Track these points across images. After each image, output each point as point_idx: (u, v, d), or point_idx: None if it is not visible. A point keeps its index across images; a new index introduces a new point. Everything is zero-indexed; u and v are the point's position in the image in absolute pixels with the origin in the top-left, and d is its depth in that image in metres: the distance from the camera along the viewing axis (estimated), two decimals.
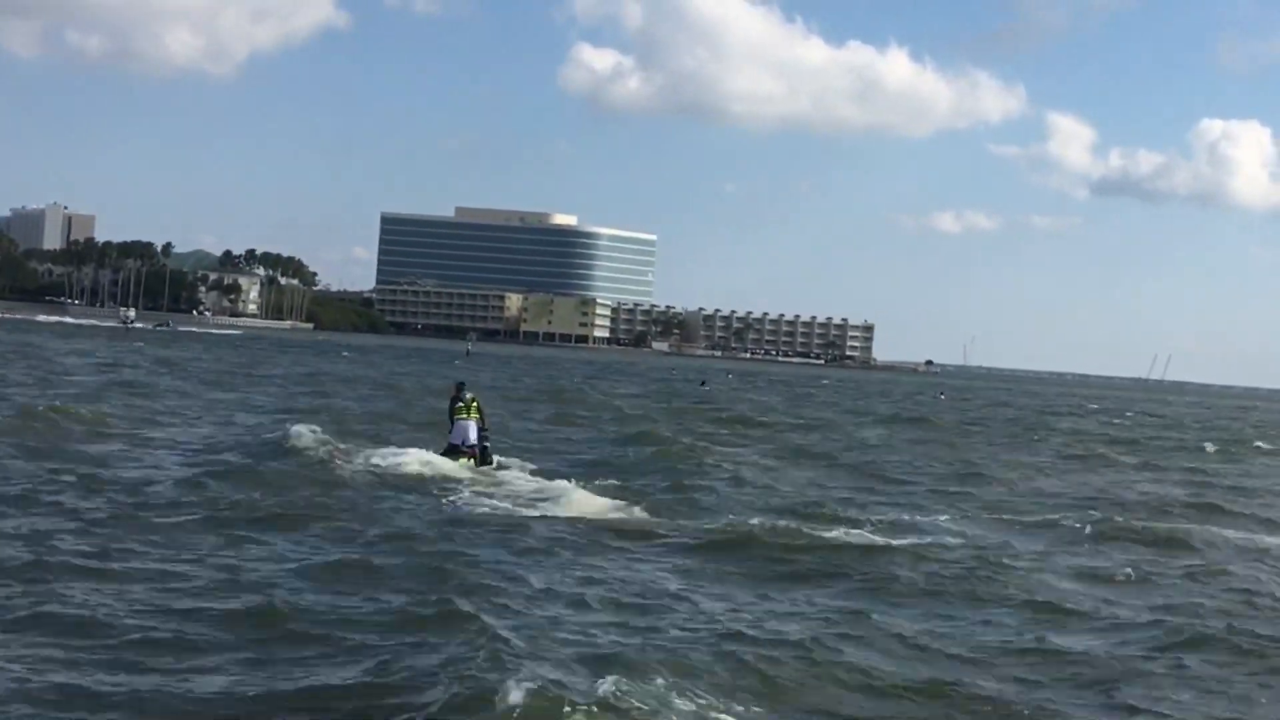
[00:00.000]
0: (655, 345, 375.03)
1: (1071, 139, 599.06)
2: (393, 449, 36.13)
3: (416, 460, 34.11)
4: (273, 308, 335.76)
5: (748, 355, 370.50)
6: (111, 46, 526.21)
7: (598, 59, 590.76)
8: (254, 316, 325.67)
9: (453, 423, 35.65)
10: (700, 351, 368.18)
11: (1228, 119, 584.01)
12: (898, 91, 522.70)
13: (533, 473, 34.74)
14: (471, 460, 34.64)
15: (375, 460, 33.86)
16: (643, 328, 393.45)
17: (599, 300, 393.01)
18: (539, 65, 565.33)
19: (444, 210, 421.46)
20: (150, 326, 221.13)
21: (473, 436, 35.08)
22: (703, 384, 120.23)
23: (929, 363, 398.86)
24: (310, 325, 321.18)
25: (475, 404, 35.56)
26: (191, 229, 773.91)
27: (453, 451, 35.00)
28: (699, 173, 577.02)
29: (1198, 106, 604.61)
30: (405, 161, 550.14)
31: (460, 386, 36.65)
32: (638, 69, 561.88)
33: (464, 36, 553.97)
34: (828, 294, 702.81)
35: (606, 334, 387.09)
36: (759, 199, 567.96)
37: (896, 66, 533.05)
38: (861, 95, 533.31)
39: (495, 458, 35.54)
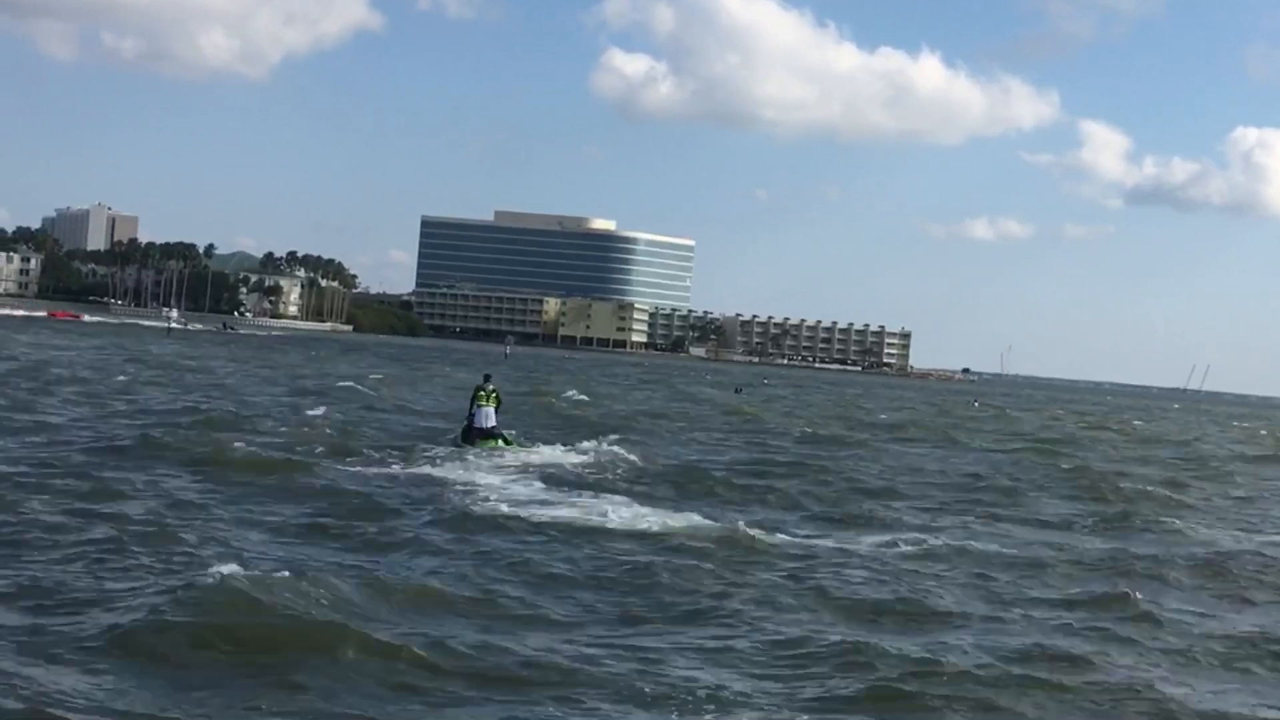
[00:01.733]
0: (693, 350, 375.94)
1: (1105, 147, 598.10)
2: None
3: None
4: (313, 310, 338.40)
5: (785, 361, 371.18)
6: (146, 48, 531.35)
7: (629, 64, 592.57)
8: (294, 318, 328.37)
9: (474, 407, 40.84)
10: (737, 357, 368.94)
11: (1262, 127, 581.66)
12: (930, 98, 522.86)
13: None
14: (493, 441, 40.00)
15: None
16: (680, 333, 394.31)
17: (637, 305, 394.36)
18: (571, 70, 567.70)
19: (483, 214, 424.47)
20: (217, 328, 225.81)
21: (491, 421, 40.57)
22: (737, 390, 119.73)
23: (966, 370, 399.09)
24: (349, 327, 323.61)
25: (495, 394, 41.22)
26: (232, 230, 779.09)
27: (469, 432, 40.43)
28: (732, 178, 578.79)
29: (1232, 114, 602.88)
30: (442, 164, 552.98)
31: (487, 378, 42.55)
32: (670, 74, 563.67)
33: (496, 40, 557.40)
34: (864, 300, 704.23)
35: (644, 339, 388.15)
36: (791, 205, 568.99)
37: (928, 72, 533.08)
38: (893, 101, 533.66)
39: (509, 434, 42.03)
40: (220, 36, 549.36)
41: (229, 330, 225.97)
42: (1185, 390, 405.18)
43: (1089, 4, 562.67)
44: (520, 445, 41.52)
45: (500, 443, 40.24)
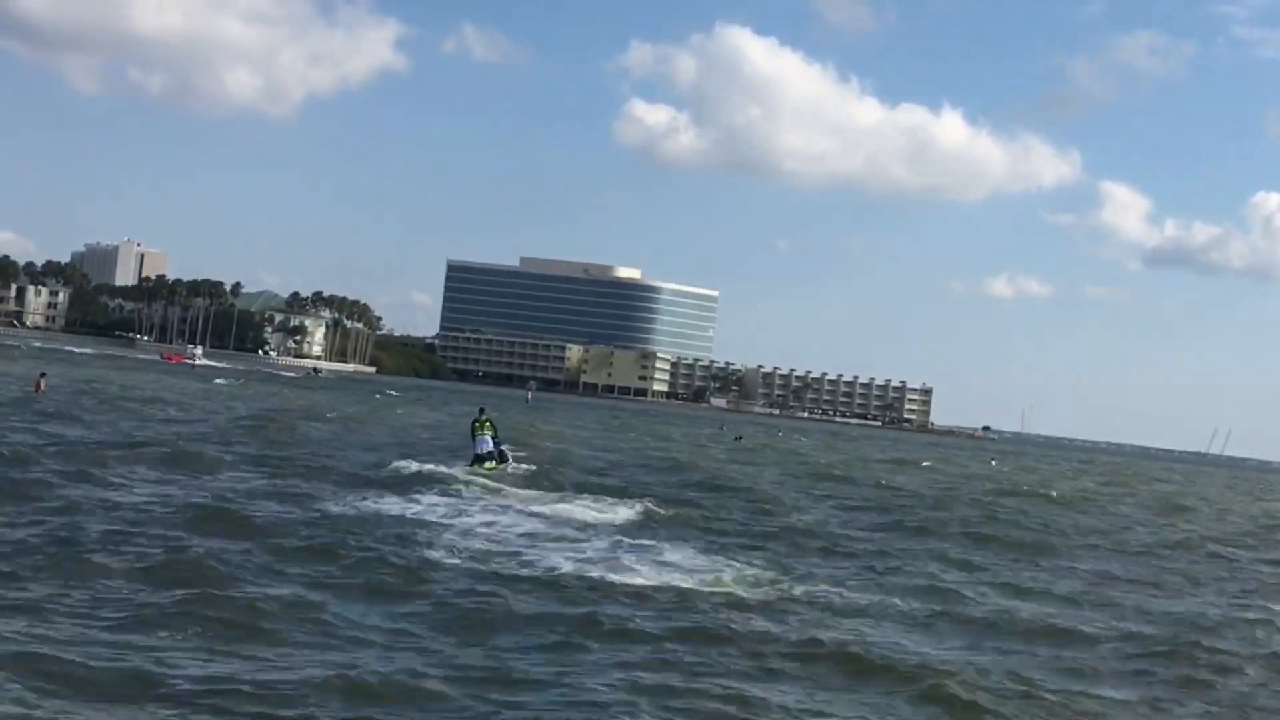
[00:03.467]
0: (714, 401, 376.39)
1: (1125, 208, 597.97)
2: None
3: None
4: (336, 351, 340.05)
5: (805, 415, 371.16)
6: (172, 85, 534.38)
7: (651, 114, 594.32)
8: (318, 359, 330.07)
9: (474, 438, 48.08)
10: (758, 409, 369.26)
11: None
12: (951, 154, 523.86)
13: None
14: (492, 463, 46.84)
15: None
16: (701, 383, 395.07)
17: (659, 354, 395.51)
18: (595, 117, 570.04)
19: (508, 259, 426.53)
20: (307, 373, 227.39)
21: (489, 446, 47.45)
22: (738, 438, 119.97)
23: (986, 428, 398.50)
24: (373, 369, 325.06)
25: (489, 422, 48.50)
26: (258, 268, 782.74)
27: (477, 459, 47.02)
28: (754, 229, 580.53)
29: (1253, 178, 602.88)
30: (468, 208, 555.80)
31: (481, 411, 50.52)
32: (691, 124, 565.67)
33: (521, 85, 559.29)
34: (886, 355, 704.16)
35: (665, 388, 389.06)
36: (814, 257, 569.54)
37: (950, 129, 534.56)
38: (915, 156, 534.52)
39: (510, 455, 49.12)
40: (244, 74, 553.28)
41: (316, 374, 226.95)
42: (1207, 454, 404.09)
43: (1110, 65, 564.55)
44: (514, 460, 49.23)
45: (496, 463, 47.13)
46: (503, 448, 48.69)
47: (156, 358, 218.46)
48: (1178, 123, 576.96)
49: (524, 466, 49.42)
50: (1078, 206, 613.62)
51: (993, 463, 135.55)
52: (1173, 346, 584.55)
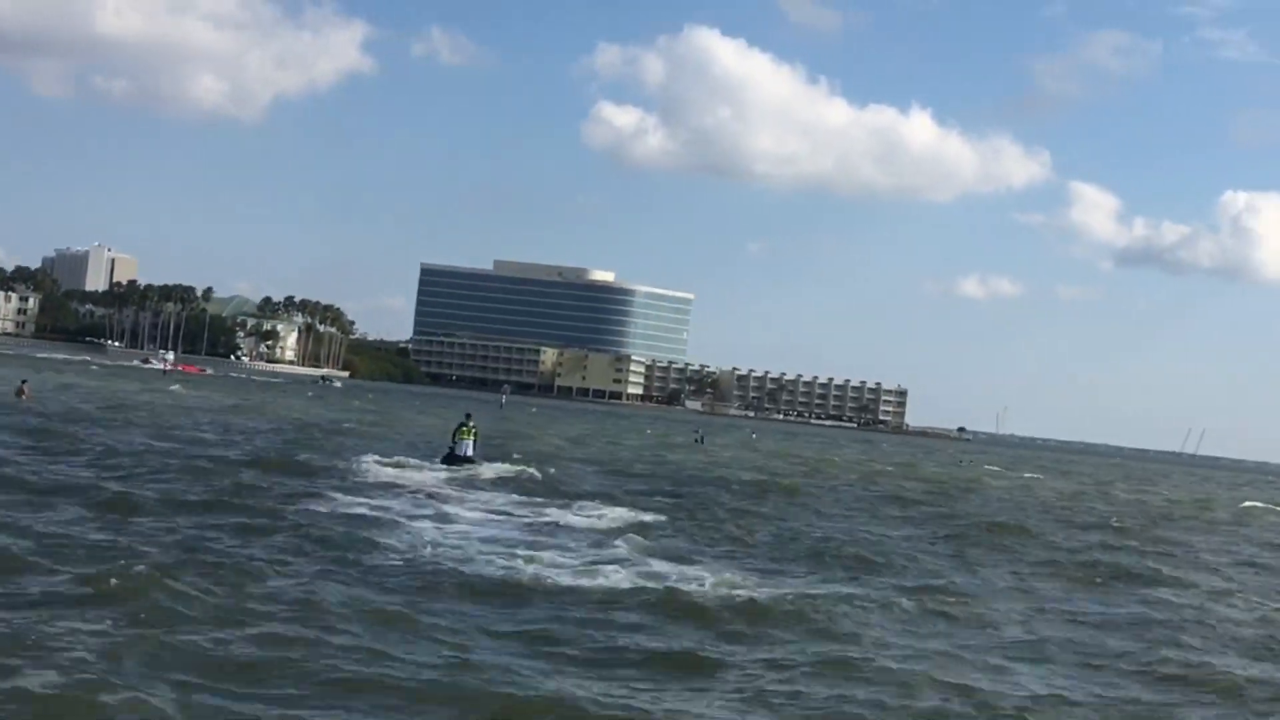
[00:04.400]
0: (688, 404, 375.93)
1: (1095, 207, 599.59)
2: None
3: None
4: (309, 355, 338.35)
5: (780, 417, 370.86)
6: (138, 89, 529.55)
7: (619, 115, 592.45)
8: (291, 364, 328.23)
9: (456, 440, 51.88)
10: (733, 411, 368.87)
11: (1250, 191, 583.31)
12: (921, 154, 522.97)
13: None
14: (467, 464, 49.85)
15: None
16: (676, 386, 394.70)
17: (634, 357, 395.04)
18: (564, 120, 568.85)
19: (482, 262, 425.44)
20: (317, 381, 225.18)
21: (469, 450, 51.09)
22: (697, 440, 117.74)
23: (961, 429, 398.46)
24: (346, 373, 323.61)
25: (474, 430, 52.33)
26: (230, 273, 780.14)
27: (452, 458, 50.56)
28: (726, 231, 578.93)
29: (1220, 178, 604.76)
30: (440, 212, 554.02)
31: (468, 417, 54.45)
32: (661, 126, 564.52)
33: (490, 88, 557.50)
34: (859, 357, 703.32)
35: (640, 391, 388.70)
36: (786, 259, 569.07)
37: (919, 129, 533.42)
38: (885, 157, 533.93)
39: (482, 463, 51.14)
40: (212, 78, 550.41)
41: (325, 383, 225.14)
42: (1182, 454, 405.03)
43: (1077, 65, 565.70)
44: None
45: (474, 465, 50.16)
46: (477, 457, 51.70)
47: (161, 368, 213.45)
48: (1145, 122, 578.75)
49: (498, 467, 51.16)
50: (1048, 206, 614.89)
51: (962, 462, 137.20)
52: (1145, 346, 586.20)
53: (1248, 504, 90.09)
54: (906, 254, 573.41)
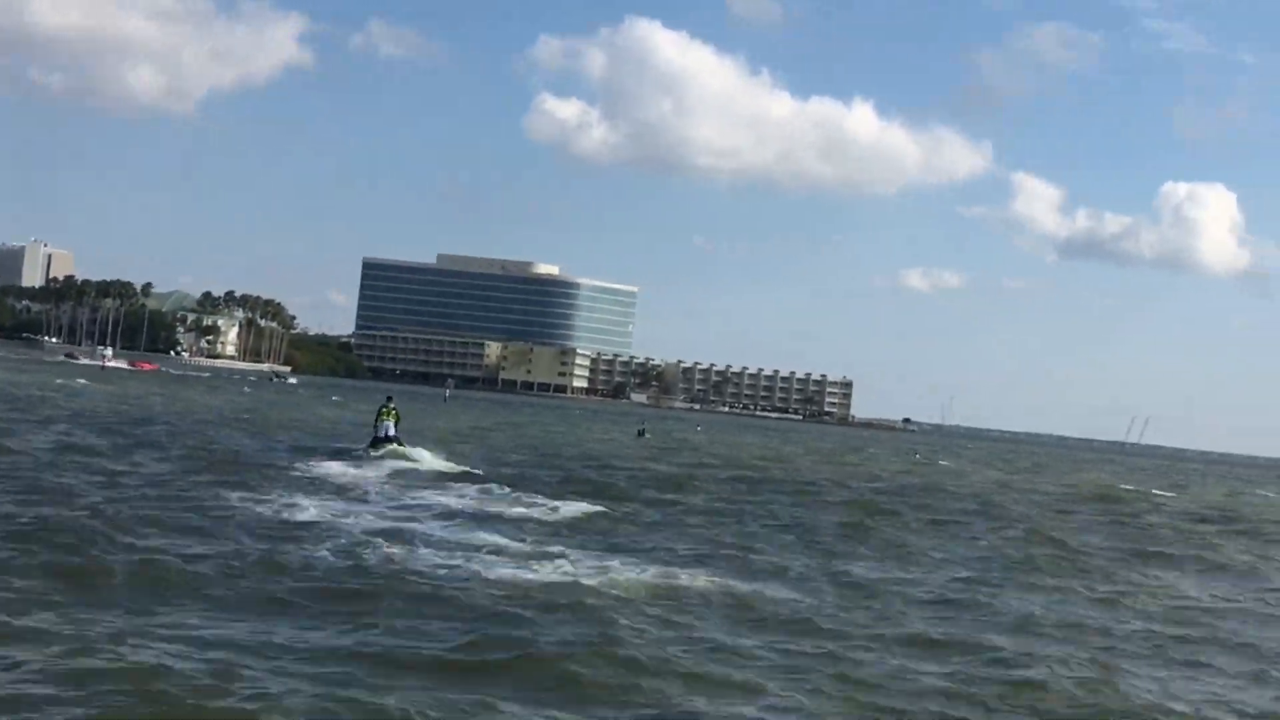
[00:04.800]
0: (634, 397, 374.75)
1: (1038, 199, 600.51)
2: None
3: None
4: (250, 350, 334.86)
5: (726, 409, 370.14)
6: (73, 83, 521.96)
7: (561, 109, 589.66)
8: (231, 359, 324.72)
9: (378, 422, 53.44)
10: (679, 404, 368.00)
11: (1191, 182, 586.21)
12: (864, 147, 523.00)
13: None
14: (391, 446, 51.24)
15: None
16: (621, 379, 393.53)
17: (579, 350, 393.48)
18: (506, 113, 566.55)
19: (425, 256, 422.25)
20: (269, 379, 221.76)
21: (390, 431, 52.56)
22: (640, 433, 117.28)
23: (906, 421, 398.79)
24: (288, 368, 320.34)
25: (394, 411, 53.78)
26: (169, 269, 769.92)
27: (376, 441, 52.07)
28: (670, 224, 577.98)
29: (1161, 169, 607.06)
30: (382, 206, 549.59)
31: (389, 399, 55.88)
32: (603, 119, 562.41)
33: (430, 81, 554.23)
34: (805, 349, 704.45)
35: (585, 384, 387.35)
36: (730, 252, 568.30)
37: (862, 122, 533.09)
38: (828, 150, 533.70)
39: (404, 445, 52.31)
40: (147, 72, 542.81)
41: (278, 380, 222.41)
42: (1125, 443, 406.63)
43: (1019, 57, 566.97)
44: (409, 449, 52.00)
45: (397, 445, 51.75)
46: (398, 436, 53.05)
47: (100, 364, 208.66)
48: (1087, 114, 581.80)
49: (440, 462, 50.73)
50: (991, 198, 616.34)
51: (916, 456, 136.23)
52: (1089, 337, 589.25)
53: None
54: (851, 247, 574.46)
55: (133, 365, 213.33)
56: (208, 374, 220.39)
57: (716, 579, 25.26)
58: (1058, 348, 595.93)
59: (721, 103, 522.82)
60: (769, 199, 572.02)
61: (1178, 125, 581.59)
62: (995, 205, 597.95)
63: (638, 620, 20.37)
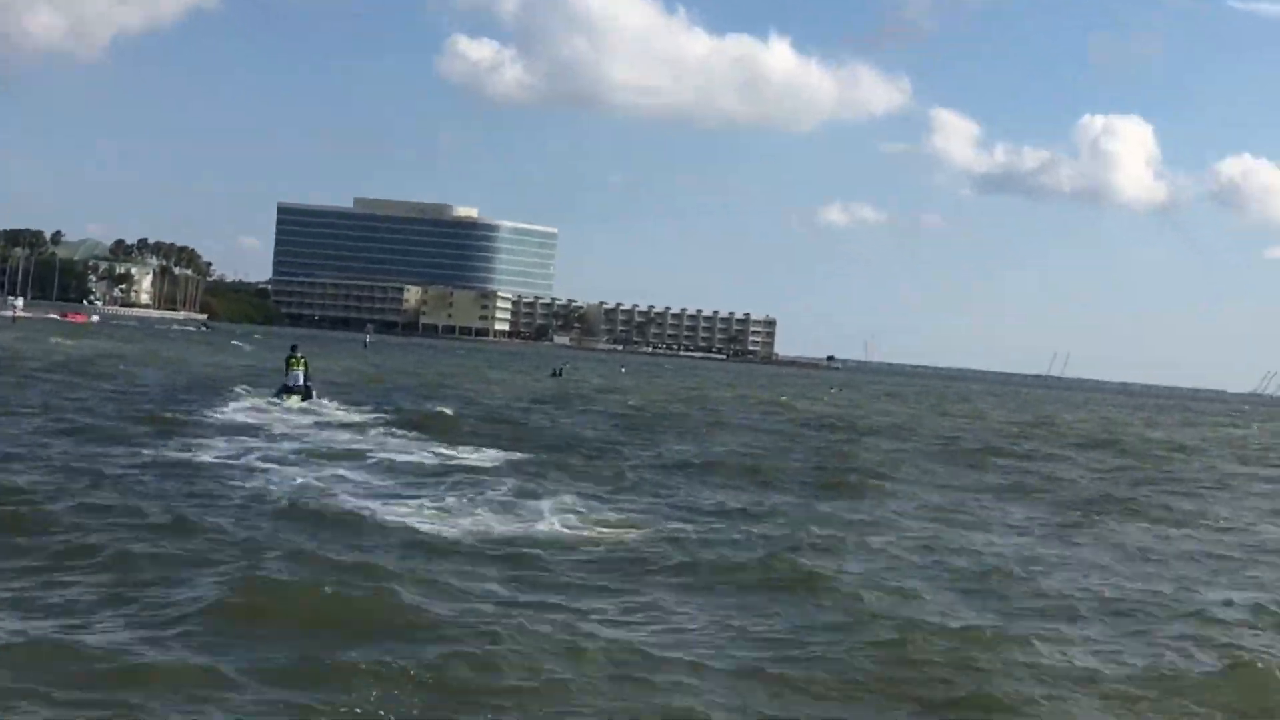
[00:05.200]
0: (556, 339, 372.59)
1: (956, 134, 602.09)
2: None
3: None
4: (166, 298, 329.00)
5: (649, 350, 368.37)
6: None
7: (475, 49, 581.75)
8: (146, 307, 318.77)
9: (287, 370, 53.42)
10: (602, 345, 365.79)
11: (1108, 114, 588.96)
12: (781, 83, 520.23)
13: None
14: (299, 397, 51.33)
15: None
16: (543, 321, 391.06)
17: (499, 293, 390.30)
18: (419, 54, 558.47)
19: (342, 201, 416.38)
20: (198, 328, 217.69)
21: (300, 381, 52.51)
22: (555, 373, 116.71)
23: (830, 358, 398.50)
24: (204, 316, 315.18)
25: (304, 360, 53.75)
26: (79, 216, 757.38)
27: (286, 390, 52.06)
28: (588, 164, 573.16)
29: (1078, 102, 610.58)
30: (297, 150, 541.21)
31: (294, 348, 55.42)
32: (518, 59, 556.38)
33: (341, 22, 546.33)
34: (727, 288, 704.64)
35: (507, 327, 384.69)
36: (650, 191, 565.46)
37: (779, 58, 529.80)
38: (745, 87, 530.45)
39: (315, 393, 52.94)
40: (47, 15, 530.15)
41: (208, 329, 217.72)
42: (1047, 377, 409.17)
43: None
44: (318, 400, 52.45)
45: (303, 398, 51.40)
46: (309, 384, 53.25)
47: (9, 315, 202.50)
48: (1003, 47, 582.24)
49: (339, 403, 53.19)
50: (909, 134, 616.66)
51: (833, 390, 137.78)
52: (1010, 271, 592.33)
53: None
54: (771, 184, 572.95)
55: (63, 316, 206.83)
56: (134, 323, 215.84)
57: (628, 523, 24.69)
58: (979, 283, 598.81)
59: (637, 40, 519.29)
60: (687, 137, 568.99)
61: (1094, 57, 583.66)
62: (914, 141, 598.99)
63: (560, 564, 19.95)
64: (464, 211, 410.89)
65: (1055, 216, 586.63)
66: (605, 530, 23.43)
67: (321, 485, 26.49)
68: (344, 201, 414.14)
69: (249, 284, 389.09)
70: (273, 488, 25.45)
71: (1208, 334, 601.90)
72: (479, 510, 24.66)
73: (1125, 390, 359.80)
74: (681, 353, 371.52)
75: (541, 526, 23.33)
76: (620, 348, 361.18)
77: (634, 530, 23.58)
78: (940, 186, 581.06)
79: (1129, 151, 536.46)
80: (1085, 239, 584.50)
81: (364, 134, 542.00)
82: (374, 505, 24.14)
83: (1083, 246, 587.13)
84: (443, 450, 36.58)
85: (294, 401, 50.78)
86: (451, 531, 21.95)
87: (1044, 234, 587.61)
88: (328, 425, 42.41)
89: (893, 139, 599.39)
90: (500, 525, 23.10)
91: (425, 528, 22.14)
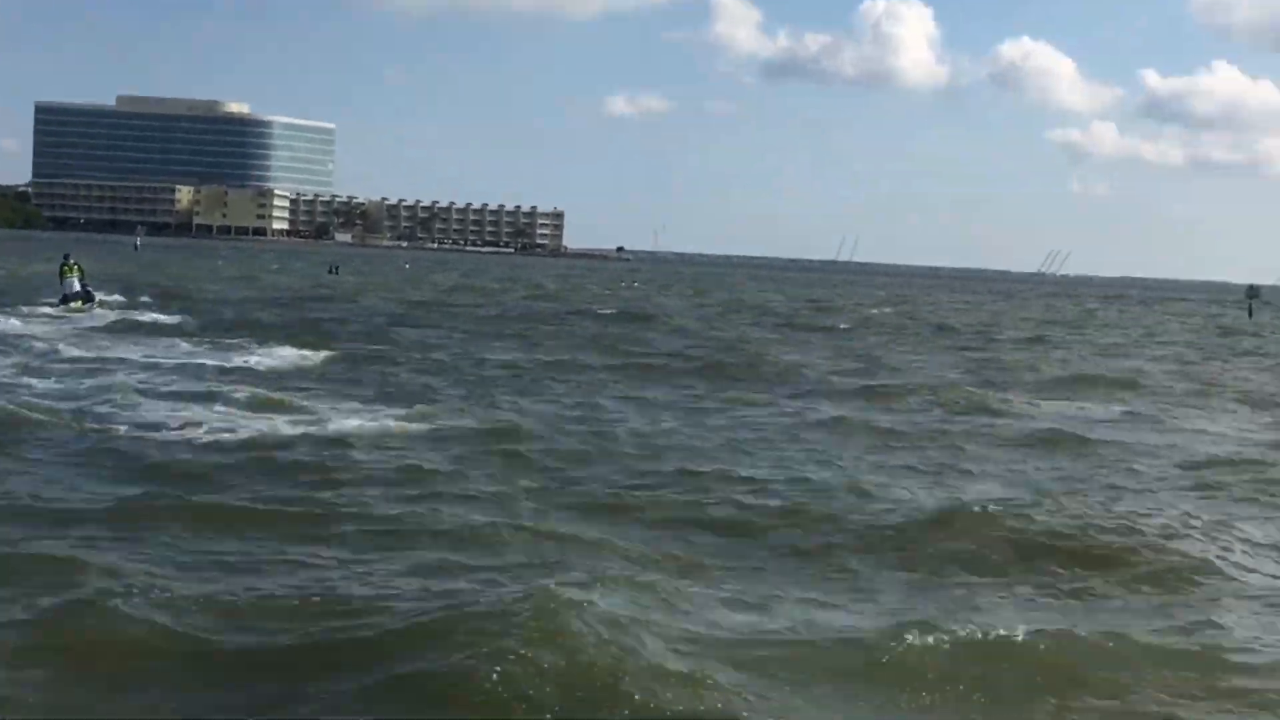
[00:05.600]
0: (338, 237, 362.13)
1: (739, 21, 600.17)
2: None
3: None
4: None
5: (435, 246, 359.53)
6: None
7: None
8: None
9: (62, 280, 53.13)
10: (386, 242, 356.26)
11: None
12: None
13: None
14: (79, 302, 51.51)
15: None
16: (324, 219, 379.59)
17: (277, 191, 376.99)
18: None
19: (104, 98, 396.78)
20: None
21: (77, 287, 52.49)
22: (332, 270, 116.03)
23: (620, 249, 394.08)
24: None
25: (77, 266, 53.46)
26: None
27: (65, 300, 51.76)
28: (364, 57, 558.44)
29: None
30: (52, 45, 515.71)
31: (66, 256, 54.68)
32: None
33: None
34: (514, 182, 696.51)
35: (286, 226, 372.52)
36: (428, 84, 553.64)
37: None
38: None
39: (97, 296, 53.37)
40: None
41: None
42: (836, 262, 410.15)
43: None
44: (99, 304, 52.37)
45: (83, 302, 51.39)
46: (89, 288, 53.17)
47: None
48: None
49: (122, 307, 53.45)
50: (692, 21, 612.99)
51: (636, 285, 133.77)
52: (796, 158, 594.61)
53: None
54: (553, 74, 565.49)
55: None
56: None
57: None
58: (766, 170, 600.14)
59: None
60: (465, 28, 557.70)
61: None
62: (697, 28, 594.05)
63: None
64: (235, 108, 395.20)
65: (840, 101, 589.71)
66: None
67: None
68: (106, 99, 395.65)
69: (7, 188, 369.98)
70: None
71: (992, 215, 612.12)
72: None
73: (908, 272, 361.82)
74: (468, 248, 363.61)
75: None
76: (405, 244, 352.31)
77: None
78: (725, 74, 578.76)
79: (911, 35, 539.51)
80: (870, 123, 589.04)
81: (125, 27, 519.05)
82: None
83: (868, 131, 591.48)
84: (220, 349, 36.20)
85: (77, 307, 50.74)
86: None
87: (829, 119, 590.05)
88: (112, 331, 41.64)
89: (675, 27, 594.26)
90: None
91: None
